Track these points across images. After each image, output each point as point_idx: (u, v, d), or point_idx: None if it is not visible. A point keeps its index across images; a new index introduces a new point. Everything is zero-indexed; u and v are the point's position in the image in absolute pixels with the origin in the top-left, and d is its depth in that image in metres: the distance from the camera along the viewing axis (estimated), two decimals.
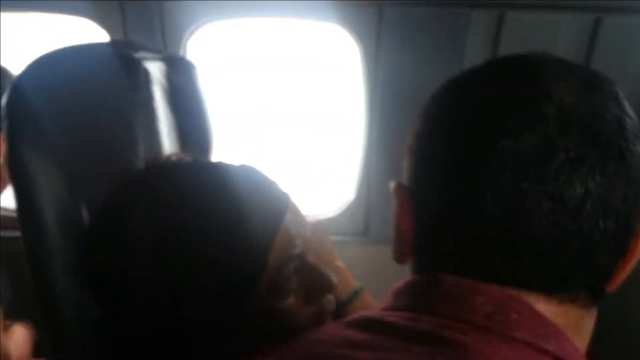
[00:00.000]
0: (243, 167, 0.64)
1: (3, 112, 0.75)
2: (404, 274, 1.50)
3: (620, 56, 1.22)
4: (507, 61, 0.45)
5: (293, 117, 1.66)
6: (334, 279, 0.65)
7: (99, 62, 0.81)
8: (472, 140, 0.39)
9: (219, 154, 1.16)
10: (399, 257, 0.50)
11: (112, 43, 1.03)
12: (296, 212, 0.64)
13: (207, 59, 1.38)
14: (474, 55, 1.25)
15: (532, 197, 0.36)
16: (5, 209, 1.53)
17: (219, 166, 0.63)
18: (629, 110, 0.39)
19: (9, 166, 0.75)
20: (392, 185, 0.49)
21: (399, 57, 1.28)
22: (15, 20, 1.48)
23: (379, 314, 0.44)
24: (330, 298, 0.67)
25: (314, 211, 1.52)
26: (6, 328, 1.02)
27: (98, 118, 0.77)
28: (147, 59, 0.88)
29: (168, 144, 0.87)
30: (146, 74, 0.82)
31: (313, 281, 0.63)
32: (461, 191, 0.40)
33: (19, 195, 0.75)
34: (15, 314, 1.08)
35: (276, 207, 0.61)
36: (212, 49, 1.41)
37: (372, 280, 1.46)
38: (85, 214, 0.75)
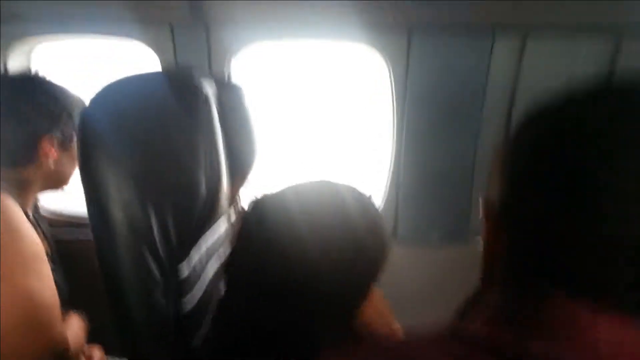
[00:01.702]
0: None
1: (77, 130, 0.85)
2: (431, 277, 1.56)
3: None
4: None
5: (327, 128, 1.77)
6: None
7: (162, 86, 0.89)
8: (574, 169, 0.38)
9: (261, 165, 1.26)
10: (489, 283, 0.46)
11: (172, 71, 1.13)
12: None
13: (250, 79, 1.48)
14: (498, 78, 1.34)
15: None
16: (57, 213, 1.67)
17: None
18: None
19: (82, 177, 0.85)
20: (481, 201, 0.47)
21: (427, 77, 1.37)
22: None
23: None
24: None
25: None
26: (64, 317, 1.14)
27: (162, 134, 0.86)
28: (202, 82, 0.98)
29: (223, 157, 0.96)
30: (206, 98, 0.91)
31: None
32: (568, 217, 0.38)
33: (92, 203, 0.85)
34: (70, 305, 1.20)
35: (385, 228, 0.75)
36: (254, 69, 1.51)
37: (400, 282, 1.53)
38: (153, 216, 0.84)
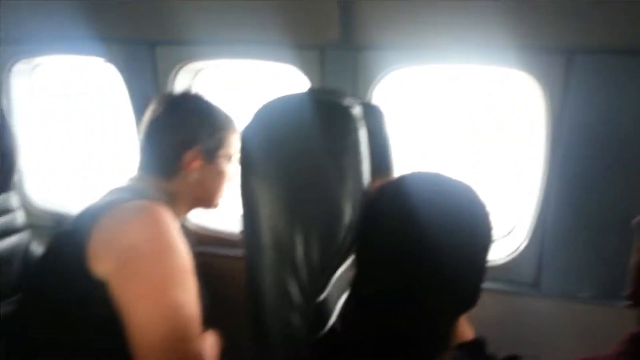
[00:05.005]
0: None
1: (239, 145, 0.91)
2: (577, 336, 1.39)
3: None
4: None
5: (472, 159, 1.69)
6: None
7: (314, 109, 0.91)
8: None
9: None
10: (636, 299, 0.45)
11: (323, 92, 1.16)
12: None
13: (393, 103, 1.47)
14: None
15: None
16: (208, 229, 1.78)
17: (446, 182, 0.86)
18: None
19: (242, 193, 0.89)
20: (635, 221, 0.45)
21: (587, 105, 1.24)
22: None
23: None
24: None
25: None
26: (201, 334, 1.19)
27: (313, 159, 0.88)
28: (352, 105, 0.99)
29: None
30: (355, 120, 0.91)
31: None
32: None
33: (246, 220, 0.90)
34: (207, 321, 1.25)
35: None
36: (398, 94, 1.50)
37: (541, 337, 1.38)
38: (298, 242, 0.86)
